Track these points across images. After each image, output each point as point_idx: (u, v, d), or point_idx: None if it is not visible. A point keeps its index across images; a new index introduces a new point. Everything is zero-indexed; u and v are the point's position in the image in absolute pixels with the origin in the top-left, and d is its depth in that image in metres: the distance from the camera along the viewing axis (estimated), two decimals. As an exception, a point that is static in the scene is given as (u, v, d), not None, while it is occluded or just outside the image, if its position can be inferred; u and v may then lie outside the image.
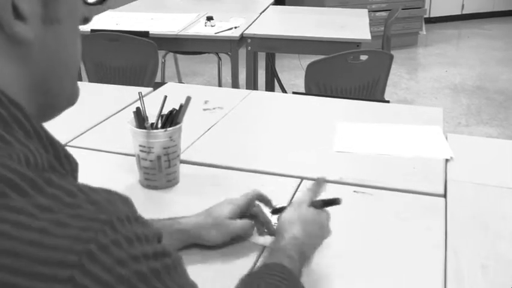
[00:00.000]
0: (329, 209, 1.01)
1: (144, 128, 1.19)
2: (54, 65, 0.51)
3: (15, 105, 0.46)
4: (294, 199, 1.00)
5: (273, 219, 1.05)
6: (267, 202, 1.07)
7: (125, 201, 0.45)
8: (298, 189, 1.24)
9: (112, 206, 0.43)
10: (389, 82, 2.80)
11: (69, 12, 0.51)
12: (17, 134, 0.45)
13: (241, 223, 1.01)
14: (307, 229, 0.92)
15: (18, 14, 0.45)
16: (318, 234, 0.95)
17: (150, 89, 1.89)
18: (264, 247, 1.03)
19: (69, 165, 0.49)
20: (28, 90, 0.49)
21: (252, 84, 3.20)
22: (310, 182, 1.26)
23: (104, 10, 3.45)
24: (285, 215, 0.96)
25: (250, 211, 1.04)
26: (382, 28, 3.78)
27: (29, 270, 0.37)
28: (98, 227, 0.40)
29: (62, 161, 0.48)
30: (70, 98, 0.56)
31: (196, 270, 0.94)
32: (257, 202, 1.06)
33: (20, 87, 0.48)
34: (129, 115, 1.21)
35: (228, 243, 1.02)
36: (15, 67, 0.47)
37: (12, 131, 0.44)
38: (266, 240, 1.04)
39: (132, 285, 0.40)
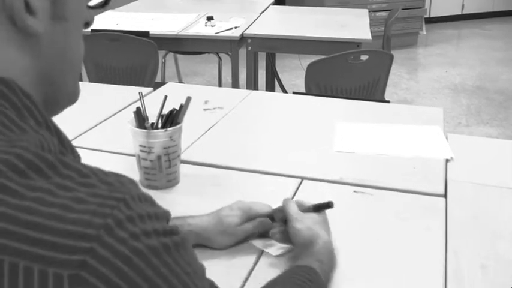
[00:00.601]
0: (330, 209, 1.02)
1: (145, 128, 1.19)
2: (61, 60, 0.54)
3: (26, 96, 0.49)
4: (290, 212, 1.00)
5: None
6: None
7: (133, 183, 0.48)
8: (298, 190, 1.24)
9: (124, 186, 0.45)
10: (389, 82, 2.80)
11: (75, 12, 0.54)
12: (30, 122, 0.48)
13: (249, 228, 1.02)
14: (328, 233, 0.96)
15: (29, 9, 0.49)
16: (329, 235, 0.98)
17: (151, 89, 1.89)
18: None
19: (73, 157, 0.52)
20: (36, 82, 0.52)
21: (252, 84, 3.20)
22: (311, 182, 1.27)
23: (104, 10, 3.45)
24: (304, 222, 0.96)
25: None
26: (383, 28, 3.78)
27: (51, 242, 0.40)
28: (113, 203, 0.43)
29: (67, 151, 0.51)
30: (71, 96, 0.59)
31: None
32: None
33: (29, 79, 0.51)
34: (130, 115, 1.22)
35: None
36: (26, 59, 0.51)
37: (25, 119, 0.48)
38: (265, 243, 1.04)
39: (145, 257, 0.42)
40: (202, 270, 0.51)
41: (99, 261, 0.40)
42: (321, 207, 1.00)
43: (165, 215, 0.48)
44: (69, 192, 0.42)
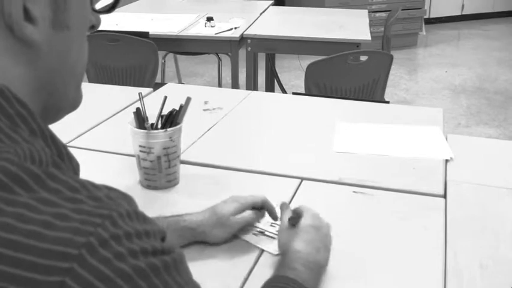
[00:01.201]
0: (328, 209, 1.02)
1: (144, 128, 1.19)
2: (61, 69, 0.52)
3: (21, 104, 0.47)
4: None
5: (269, 227, 1.07)
6: (271, 210, 1.08)
7: (126, 198, 0.45)
8: (298, 190, 1.24)
9: (113, 202, 0.43)
10: (389, 83, 2.80)
11: (78, 19, 0.52)
12: (23, 132, 0.46)
13: (243, 218, 1.03)
14: (308, 240, 0.92)
15: (28, 17, 0.47)
16: (319, 242, 0.94)
17: (150, 89, 1.89)
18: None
19: (70, 165, 0.50)
20: (34, 90, 0.50)
21: (252, 85, 3.20)
22: (310, 183, 1.27)
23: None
24: (282, 236, 0.97)
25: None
26: (382, 29, 3.79)
27: (29, 262, 0.38)
28: (98, 221, 0.40)
29: (64, 161, 0.49)
30: (73, 102, 0.57)
31: (196, 269, 0.94)
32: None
33: (27, 88, 0.49)
34: (129, 116, 1.22)
35: (229, 239, 1.04)
36: (23, 68, 0.49)
37: (18, 129, 0.46)
38: (261, 239, 1.05)
39: (131, 279, 0.40)
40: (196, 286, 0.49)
41: (78, 283, 0.38)
42: (294, 220, 0.98)
43: (159, 233, 0.46)
44: (52, 208, 0.40)
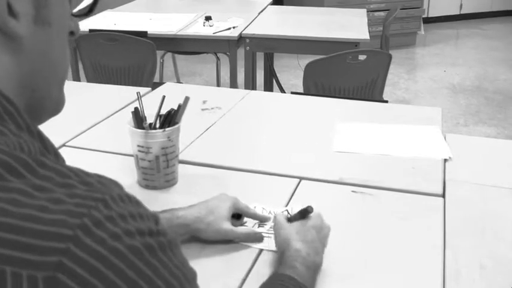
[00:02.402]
0: (327, 209, 1.01)
1: (143, 128, 1.18)
2: (43, 64, 0.54)
3: (6, 100, 0.48)
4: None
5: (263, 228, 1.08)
6: (259, 217, 1.10)
7: (117, 185, 0.46)
8: (297, 190, 1.24)
9: (104, 187, 0.44)
10: (387, 82, 2.80)
11: (59, 17, 0.54)
12: (10, 126, 0.47)
13: (242, 234, 1.04)
14: (308, 240, 0.93)
15: (11, 12, 0.49)
16: (319, 243, 0.96)
17: (149, 89, 1.89)
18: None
19: (57, 160, 0.50)
20: (17, 86, 0.51)
21: (251, 84, 3.20)
22: (309, 182, 1.27)
23: (102, 10, 3.45)
24: (280, 232, 0.97)
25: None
26: (381, 28, 3.79)
27: (25, 244, 0.38)
28: (91, 203, 0.41)
29: (51, 155, 0.50)
30: (56, 104, 0.58)
31: (195, 268, 0.94)
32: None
33: (11, 83, 0.50)
34: (128, 115, 1.21)
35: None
36: (7, 61, 0.50)
37: (5, 123, 0.47)
38: (263, 242, 1.05)
39: (126, 258, 0.41)
40: (192, 274, 0.49)
41: (75, 262, 0.39)
42: (303, 213, 0.99)
43: (152, 217, 0.46)
44: (46, 193, 0.41)
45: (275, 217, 1.02)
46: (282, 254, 0.93)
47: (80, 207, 0.41)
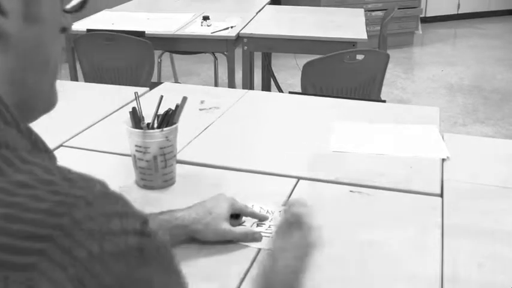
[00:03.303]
0: (325, 208, 1.01)
1: (140, 128, 1.18)
2: (33, 61, 0.53)
3: None
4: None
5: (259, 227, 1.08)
6: (258, 216, 1.10)
7: (101, 182, 0.45)
8: (295, 189, 1.24)
9: (88, 184, 0.43)
10: (385, 82, 2.80)
11: (50, 14, 0.53)
12: None
13: (240, 234, 1.04)
14: (299, 257, 0.85)
15: (0, 9, 0.48)
16: (306, 263, 0.86)
17: (146, 88, 1.89)
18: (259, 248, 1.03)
19: (47, 156, 0.50)
20: (7, 82, 0.50)
21: (248, 84, 3.20)
22: (307, 182, 1.27)
23: (100, 10, 3.44)
24: (279, 236, 0.91)
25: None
26: (378, 28, 3.79)
27: (3, 244, 0.38)
28: (72, 201, 0.40)
29: (41, 152, 0.49)
30: (48, 101, 0.57)
31: (193, 269, 0.94)
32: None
33: (1, 79, 0.50)
34: (125, 115, 1.21)
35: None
36: None
37: None
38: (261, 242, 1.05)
39: (104, 262, 0.40)
40: (181, 280, 0.47)
41: (51, 264, 0.38)
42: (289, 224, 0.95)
43: (140, 217, 0.44)
44: (27, 190, 0.40)
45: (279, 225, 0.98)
46: (271, 262, 0.85)
47: (60, 205, 0.40)
